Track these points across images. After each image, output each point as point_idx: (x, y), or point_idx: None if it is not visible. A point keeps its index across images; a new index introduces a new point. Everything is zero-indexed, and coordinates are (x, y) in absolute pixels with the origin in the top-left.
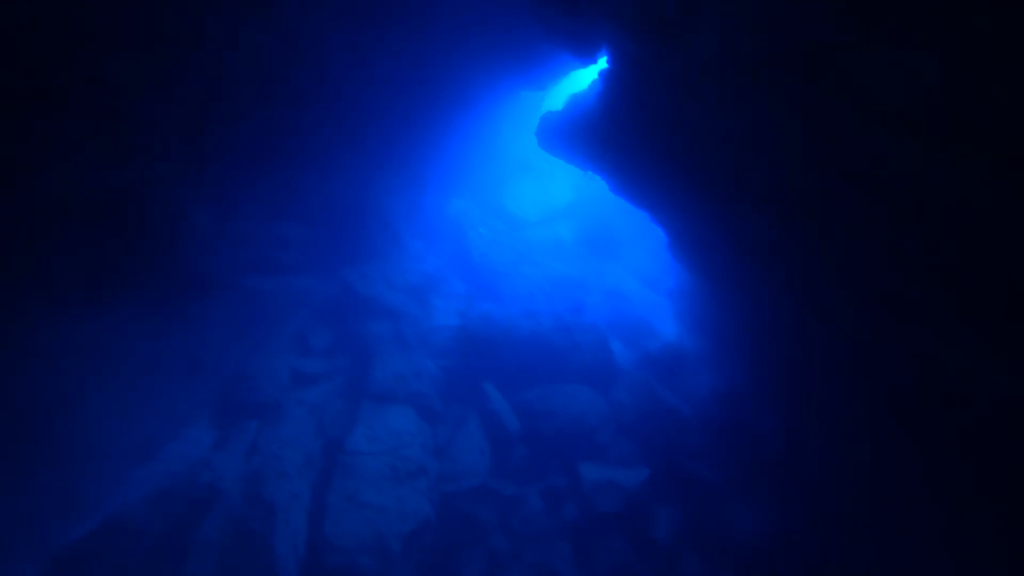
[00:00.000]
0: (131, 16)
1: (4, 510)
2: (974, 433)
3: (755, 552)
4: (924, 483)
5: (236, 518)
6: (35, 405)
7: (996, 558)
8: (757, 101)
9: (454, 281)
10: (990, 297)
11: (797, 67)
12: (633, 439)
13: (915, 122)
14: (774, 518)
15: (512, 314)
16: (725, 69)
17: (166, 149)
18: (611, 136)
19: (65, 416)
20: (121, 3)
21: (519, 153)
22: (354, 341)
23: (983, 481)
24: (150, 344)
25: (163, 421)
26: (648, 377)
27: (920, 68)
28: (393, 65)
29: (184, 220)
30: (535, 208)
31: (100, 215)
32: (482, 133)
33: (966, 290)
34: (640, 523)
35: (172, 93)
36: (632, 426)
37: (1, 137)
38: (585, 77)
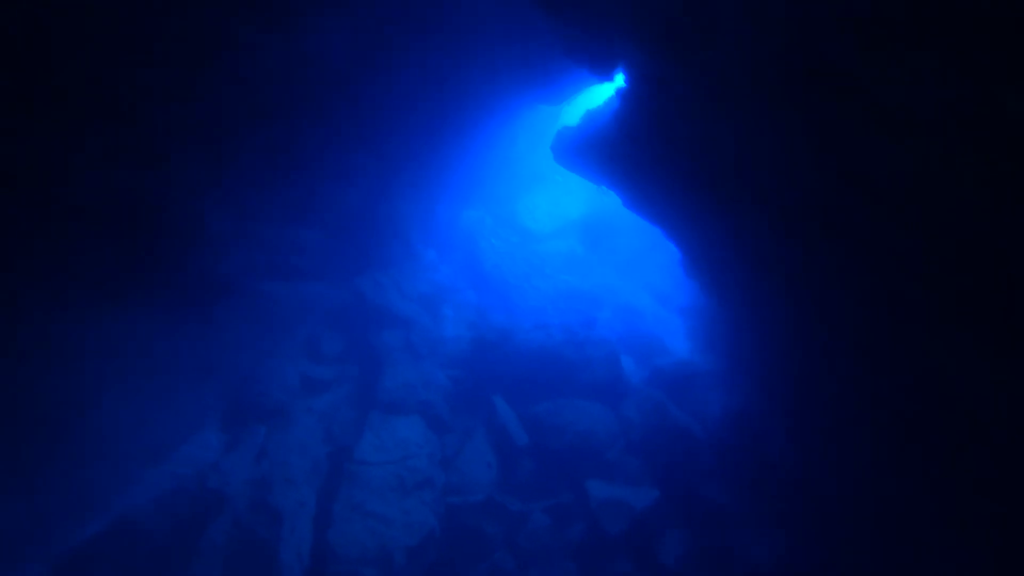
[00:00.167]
0: (159, 25)
1: (17, 510)
2: (1001, 462)
3: None
4: (940, 510)
5: (242, 524)
6: (51, 405)
7: None
8: (775, 118)
9: (466, 291)
10: None
11: (816, 83)
12: (642, 457)
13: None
14: (784, 543)
15: (523, 326)
16: (742, 86)
17: (186, 154)
18: (626, 153)
19: (79, 416)
20: (150, 11)
21: (533, 165)
22: (364, 349)
23: (1011, 513)
24: (164, 346)
25: (174, 423)
26: (659, 394)
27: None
28: (414, 77)
29: (201, 224)
30: (548, 221)
31: (119, 218)
32: (497, 144)
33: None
34: (648, 546)
35: (195, 100)
36: (641, 444)
37: (29, 140)
38: (601, 93)
